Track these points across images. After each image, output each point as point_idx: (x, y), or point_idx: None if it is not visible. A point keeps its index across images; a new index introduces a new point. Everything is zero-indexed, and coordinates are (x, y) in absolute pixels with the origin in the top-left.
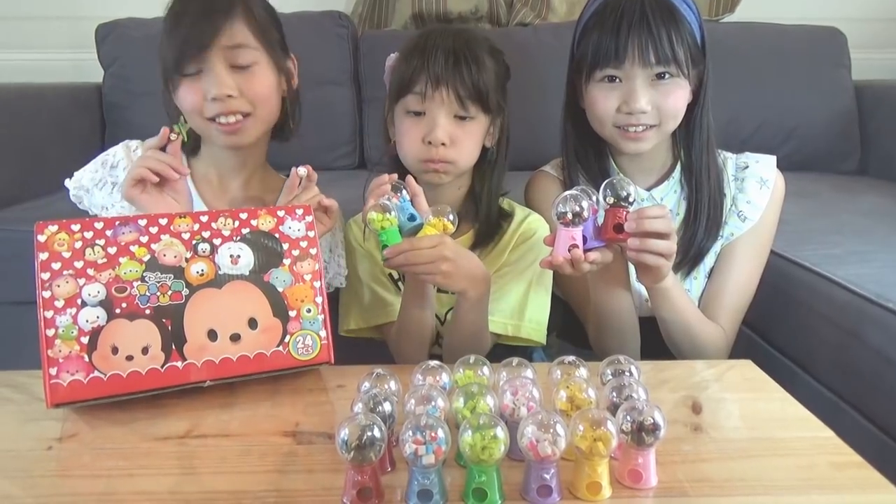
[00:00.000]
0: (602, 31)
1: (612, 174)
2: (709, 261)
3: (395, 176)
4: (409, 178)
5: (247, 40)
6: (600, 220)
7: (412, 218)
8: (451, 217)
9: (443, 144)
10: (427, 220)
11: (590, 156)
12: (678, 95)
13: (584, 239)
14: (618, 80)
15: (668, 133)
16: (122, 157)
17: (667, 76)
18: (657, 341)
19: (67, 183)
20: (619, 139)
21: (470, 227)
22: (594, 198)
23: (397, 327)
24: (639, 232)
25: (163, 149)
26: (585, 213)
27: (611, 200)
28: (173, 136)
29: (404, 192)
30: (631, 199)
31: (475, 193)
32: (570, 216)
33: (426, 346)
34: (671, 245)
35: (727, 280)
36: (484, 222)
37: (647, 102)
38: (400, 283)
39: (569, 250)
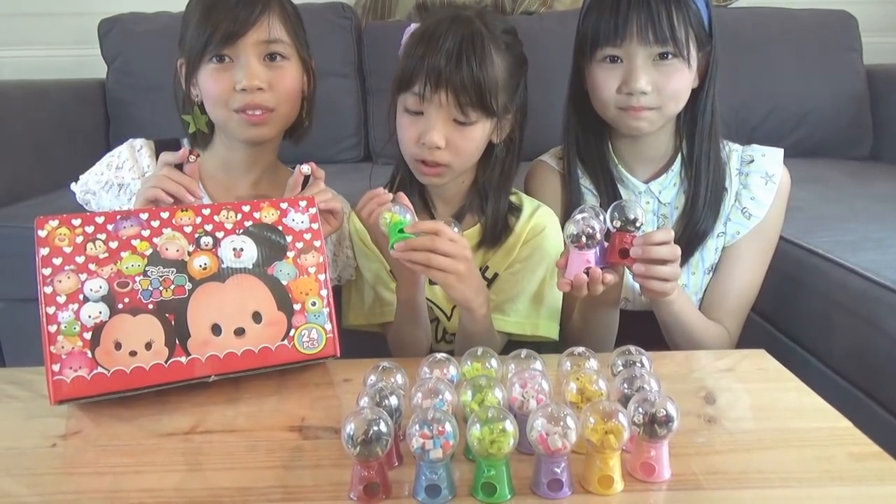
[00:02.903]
0: (602, 9)
1: (609, 163)
2: (708, 256)
3: (391, 195)
4: (401, 195)
5: (281, 35)
6: (604, 240)
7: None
8: (455, 230)
9: (438, 148)
10: None
11: (590, 142)
12: (680, 77)
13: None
14: (619, 60)
15: (669, 116)
16: (127, 157)
17: (669, 56)
18: (653, 334)
19: (73, 187)
20: (621, 118)
21: (476, 221)
22: (601, 217)
23: (392, 340)
24: (644, 258)
25: (178, 166)
26: (598, 236)
27: (617, 224)
28: (192, 158)
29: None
30: (638, 224)
31: (479, 186)
32: (584, 240)
33: (422, 356)
34: (676, 270)
35: (732, 281)
36: (491, 220)
37: (647, 83)
38: None
39: (585, 272)
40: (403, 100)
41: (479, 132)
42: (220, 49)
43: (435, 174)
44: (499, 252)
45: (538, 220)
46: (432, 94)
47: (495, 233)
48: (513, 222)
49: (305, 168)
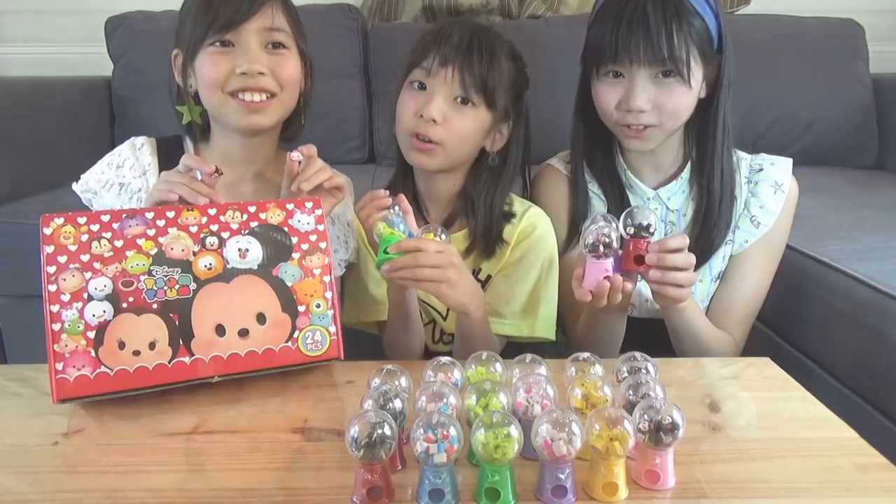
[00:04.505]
0: (603, 26)
1: (618, 170)
2: (716, 264)
3: (390, 200)
4: (401, 197)
5: (283, 25)
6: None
7: (409, 236)
8: (443, 237)
9: (433, 121)
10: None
11: (598, 150)
12: (681, 94)
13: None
14: (622, 75)
15: (671, 132)
16: (128, 155)
17: (671, 74)
18: (659, 340)
19: (75, 186)
20: (623, 136)
21: (465, 225)
22: (614, 224)
23: (386, 341)
24: (660, 265)
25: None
26: (615, 244)
27: (631, 230)
28: (216, 175)
29: (397, 208)
30: (652, 230)
31: (468, 193)
32: (601, 249)
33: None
34: (691, 276)
35: (739, 289)
36: (482, 227)
37: (646, 101)
38: None
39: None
40: (410, 77)
41: (477, 118)
42: (222, 34)
43: (427, 151)
44: (490, 255)
45: (529, 220)
46: (439, 68)
47: (488, 241)
48: (503, 227)
49: (296, 155)
